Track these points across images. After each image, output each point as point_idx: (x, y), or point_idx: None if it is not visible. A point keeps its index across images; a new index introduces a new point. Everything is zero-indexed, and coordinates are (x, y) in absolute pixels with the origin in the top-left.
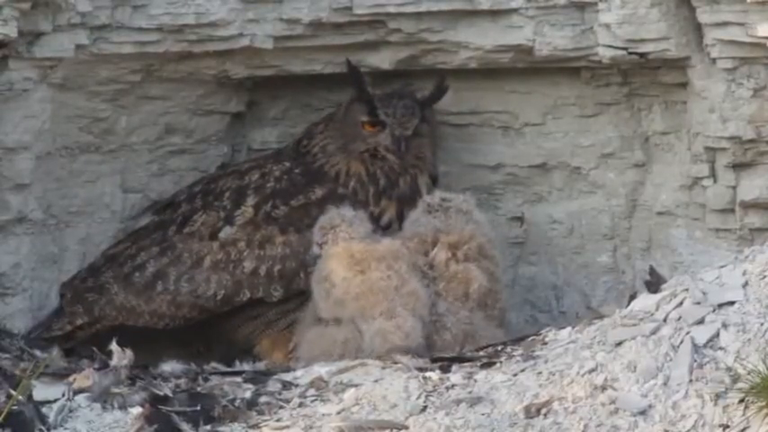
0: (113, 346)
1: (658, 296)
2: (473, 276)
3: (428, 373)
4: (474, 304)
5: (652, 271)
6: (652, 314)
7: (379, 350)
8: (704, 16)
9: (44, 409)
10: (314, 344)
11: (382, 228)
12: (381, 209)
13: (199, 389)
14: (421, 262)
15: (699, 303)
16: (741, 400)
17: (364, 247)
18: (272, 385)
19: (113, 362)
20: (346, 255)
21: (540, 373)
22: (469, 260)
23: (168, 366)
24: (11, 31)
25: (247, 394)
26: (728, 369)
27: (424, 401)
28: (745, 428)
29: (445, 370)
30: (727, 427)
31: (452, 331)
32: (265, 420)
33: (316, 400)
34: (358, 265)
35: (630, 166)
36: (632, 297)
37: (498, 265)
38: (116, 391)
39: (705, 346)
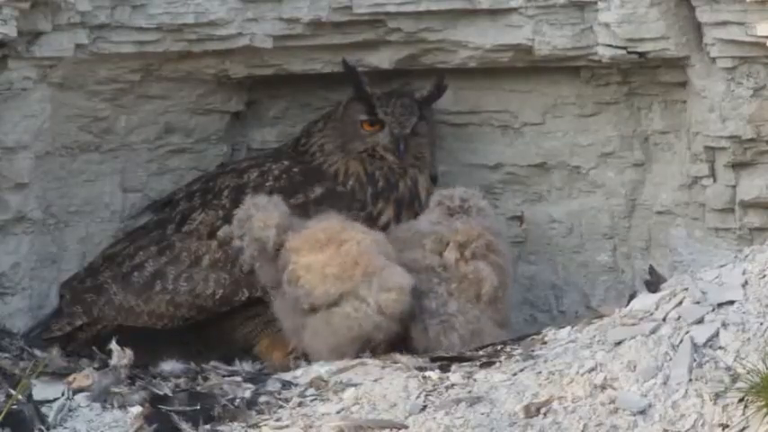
0: (113, 346)
1: (658, 296)
2: (484, 277)
3: (428, 373)
4: (485, 305)
5: (652, 270)
6: (652, 314)
7: (384, 304)
8: (704, 15)
9: (44, 409)
10: (320, 333)
11: (380, 228)
12: (379, 210)
13: (198, 388)
14: (435, 263)
15: (698, 303)
16: (741, 400)
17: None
18: (272, 385)
19: (113, 361)
20: (313, 239)
21: (540, 372)
22: (477, 258)
23: (168, 366)
24: (10, 30)
25: (247, 394)
26: (728, 368)
27: (424, 401)
28: (744, 428)
29: (445, 369)
30: (727, 426)
31: (460, 332)
32: (265, 420)
33: (315, 399)
34: (330, 243)
35: (630, 166)
36: (632, 296)
37: (506, 257)
38: (116, 390)
39: (704, 345)
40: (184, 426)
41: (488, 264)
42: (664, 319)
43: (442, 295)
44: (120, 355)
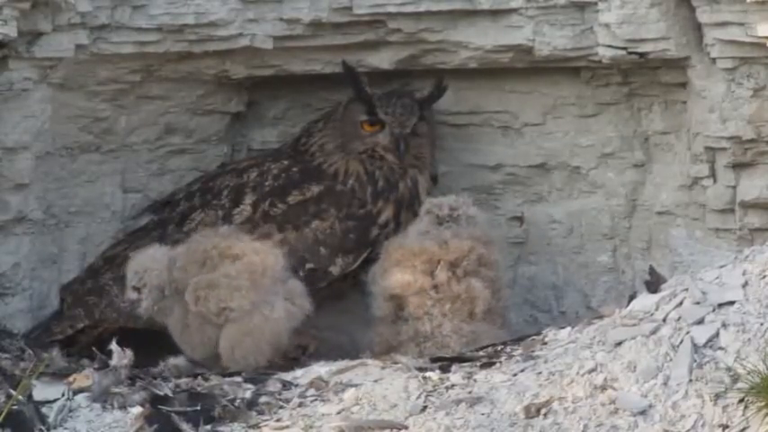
0: (113, 346)
1: (658, 296)
2: (477, 295)
3: (428, 373)
4: (480, 321)
5: (652, 271)
6: (652, 314)
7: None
8: (704, 16)
9: (44, 409)
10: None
11: (379, 227)
12: (379, 209)
13: (199, 389)
14: (427, 284)
15: (698, 303)
16: (741, 400)
17: None
18: (272, 385)
19: (113, 362)
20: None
21: (540, 373)
22: (470, 274)
23: (177, 360)
24: (11, 31)
25: (247, 394)
26: (728, 369)
27: (424, 401)
28: (744, 428)
29: (445, 370)
30: (727, 427)
31: (455, 349)
32: (265, 420)
33: (316, 400)
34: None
35: (630, 166)
36: (632, 297)
37: (499, 267)
38: (116, 390)
39: (705, 346)
40: (185, 426)
41: (480, 279)
42: (664, 320)
43: (437, 317)
44: (121, 356)
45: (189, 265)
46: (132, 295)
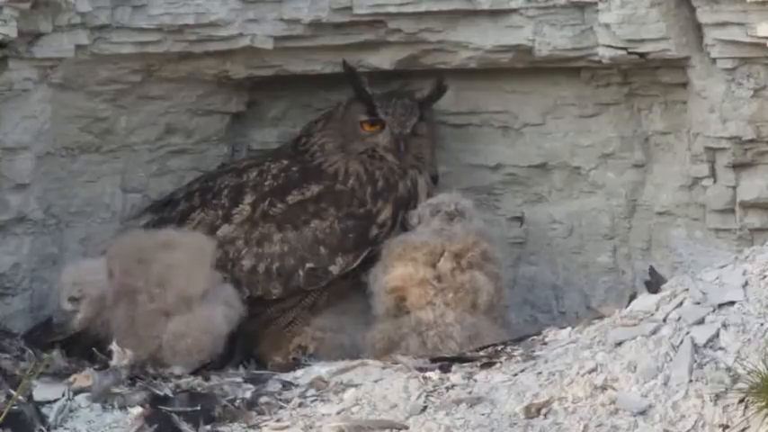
0: (113, 346)
1: (658, 296)
2: (481, 287)
3: (428, 373)
4: (482, 314)
5: (652, 271)
6: (652, 314)
7: None
8: (704, 16)
9: (44, 409)
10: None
11: (378, 226)
12: (378, 209)
13: (199, 389)
14: (429, 275)
15: (699, 303)
16: (741, 400)
17: None
18: (272, 385)
19: (113, 362)
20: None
21: (540, 373)
22: (473, 267)
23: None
24: (11, 31)
25: (247, 394)
26: (728, 369)
27: (424, 401)
28: (745, 428)
29: (445, 370)
30: (727, 427)
31: (457, 340)
32: (265, 420)
33: (316, 400)
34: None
35: (630, 166)
36: (632, 297)
37: (501, 265)
38: (116, 391)
39: (705, 346)
40: (185, 426)
41: (484, 273)
42: (664, 320)
43: (440, 306)
44: (121, 356)
45: (130, 267)
46: (67, 306)
